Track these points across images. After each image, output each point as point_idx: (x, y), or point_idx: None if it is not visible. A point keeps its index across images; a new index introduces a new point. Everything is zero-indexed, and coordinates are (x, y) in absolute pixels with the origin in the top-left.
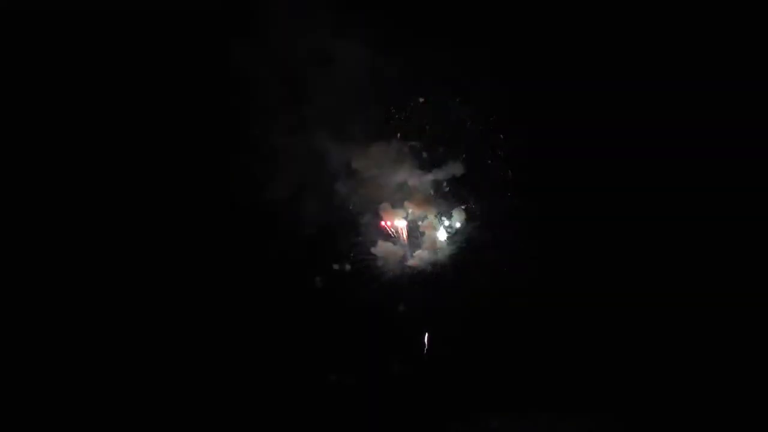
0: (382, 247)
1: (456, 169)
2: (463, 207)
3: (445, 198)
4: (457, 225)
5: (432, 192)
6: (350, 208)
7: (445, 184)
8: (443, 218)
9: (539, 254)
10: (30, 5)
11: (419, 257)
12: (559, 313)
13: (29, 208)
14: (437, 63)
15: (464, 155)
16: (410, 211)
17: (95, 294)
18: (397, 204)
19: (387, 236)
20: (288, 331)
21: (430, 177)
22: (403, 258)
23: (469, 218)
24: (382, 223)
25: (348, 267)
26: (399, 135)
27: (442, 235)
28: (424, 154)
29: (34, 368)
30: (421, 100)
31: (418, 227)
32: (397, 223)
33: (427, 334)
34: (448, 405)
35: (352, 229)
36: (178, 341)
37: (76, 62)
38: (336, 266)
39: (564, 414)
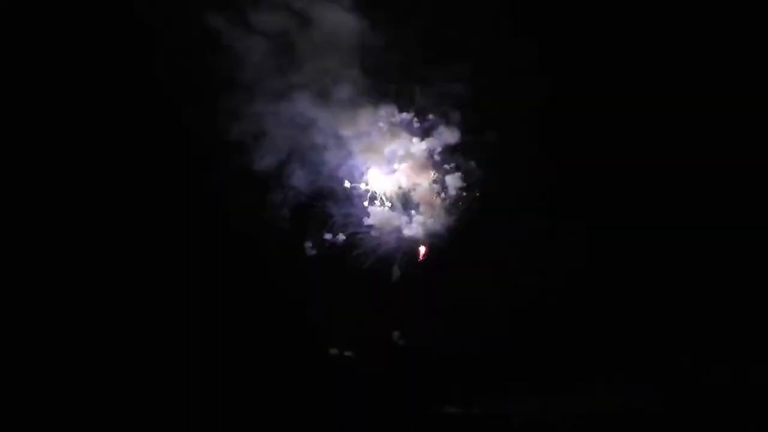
0: (375, 217)
1: (450, 136)
2: (459, 174)
3: (438, 166)
4: (453, 193)
5: (425, 160)
6: (340, 176)
7: (438, 150)
8: (438, 186)
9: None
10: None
11: (416, 227)
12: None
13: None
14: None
15: (458, 122)
16: (403, 180)
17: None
18: (388, 172)
19: (381, 204)
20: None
21: (422, 145)
22: (399, 228)
23: (466, 186)
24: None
25: (341, 238)
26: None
27: (437, 203)
28: (416, 121)
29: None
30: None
31: (412, 197)
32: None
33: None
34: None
35: (343, 198)
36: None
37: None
38: (329, 237)
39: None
